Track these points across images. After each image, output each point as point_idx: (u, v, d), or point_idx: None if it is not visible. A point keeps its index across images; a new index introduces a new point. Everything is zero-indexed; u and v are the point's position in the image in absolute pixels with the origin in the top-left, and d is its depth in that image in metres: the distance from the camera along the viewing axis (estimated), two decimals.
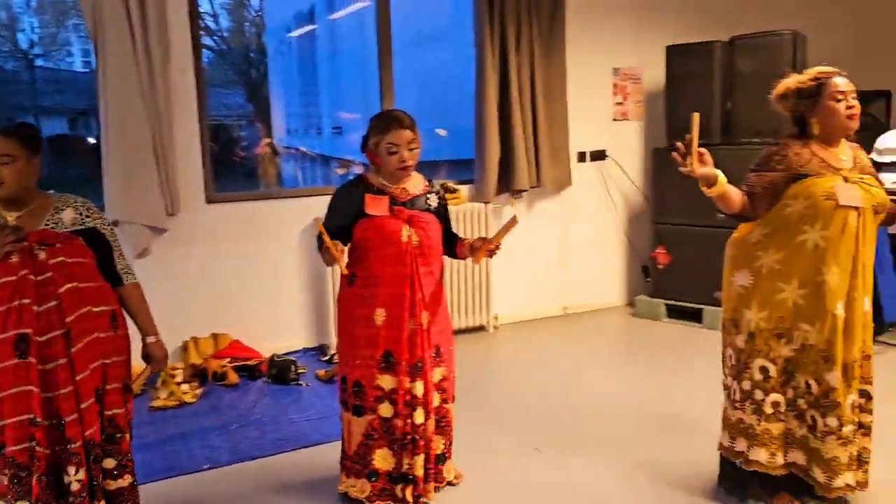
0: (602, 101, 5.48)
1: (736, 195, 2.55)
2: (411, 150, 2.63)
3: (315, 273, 4.70)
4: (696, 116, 2.41)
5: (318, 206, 4.54)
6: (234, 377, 4.18)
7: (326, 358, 4.56)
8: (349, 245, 2.69)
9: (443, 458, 2.87)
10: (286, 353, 4.49)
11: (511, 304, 5.30)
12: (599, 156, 5.49)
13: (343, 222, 2.66)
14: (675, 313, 5.22)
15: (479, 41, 4.85)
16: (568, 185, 5.30)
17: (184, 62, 4.28)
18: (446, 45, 8.48)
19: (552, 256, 5.44)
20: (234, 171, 10.13)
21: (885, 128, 5.53)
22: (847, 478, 2.58)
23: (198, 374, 4.20)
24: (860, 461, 2.64)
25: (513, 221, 2.69)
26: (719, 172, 2.49)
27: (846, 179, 2.52)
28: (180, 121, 4.27)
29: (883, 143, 4.70)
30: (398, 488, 2.73)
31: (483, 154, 4.95)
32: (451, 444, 2.89)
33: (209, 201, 4.48)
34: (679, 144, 2.43)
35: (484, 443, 3.36)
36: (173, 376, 4.03)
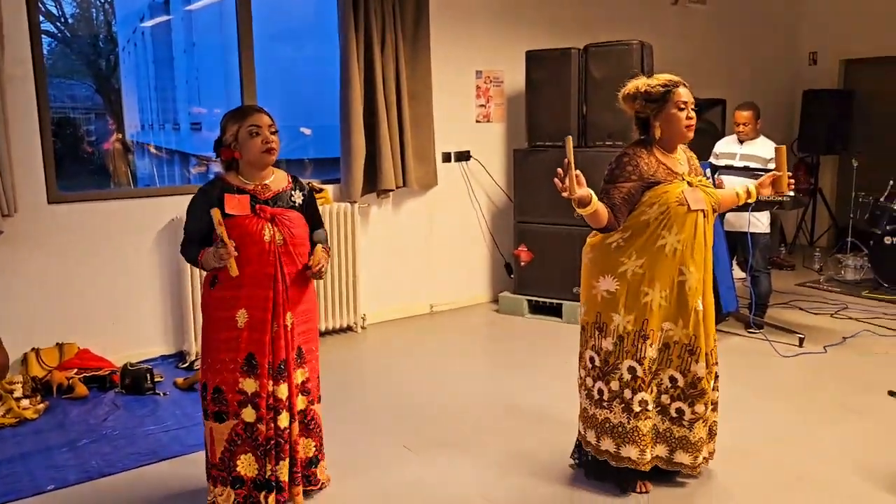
0: (466, 103, 5.59)
1: (604, 211, 2.63)
2: (273, 133, 2.58)
3: (173, 275, 4.48)
4: (568, 140, 2.47)
5: (175, 205, 4.38)
6: (82, 389, 3.90)
7: (186, 365, 4.35)
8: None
9: (315, 460, 2.82)
10: (141, 362, 4.25)
11: (379, 304, 5.30)
12: (464, 156, 5.61)
13: (203, 226, 2.56)
14: (536, 309, 5.42)
15: (343, 40, 4.80)
16: (434, 184, 5.37)
17: (20, 50, 3.94)
18: (311, 41, 8.34)
19: (419, 256, 5.49)
20: (81, 168, 9.43)
21: (721, 134, 6.02)
22: (704, 452, 2.83)
23: (41, 388, 3.88)
24: (711, 434, 2.88)
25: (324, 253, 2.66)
26: (591, 192, 2.57)
27: (690, 184, 2.71)
28: (16, 113, 3.93)
29: (719, 148, 5.11)
30: (262, 495, 2.65)
31: (349, 153, 4.92)
32: (321, 444, 2.85)
33: (52, 201, 4.15)
34: (559, 170, 2.48)
35: (353, 444, 3.34)
36: (11, 391, 3.71)
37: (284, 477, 2.67)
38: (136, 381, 3.97)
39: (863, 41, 7.41)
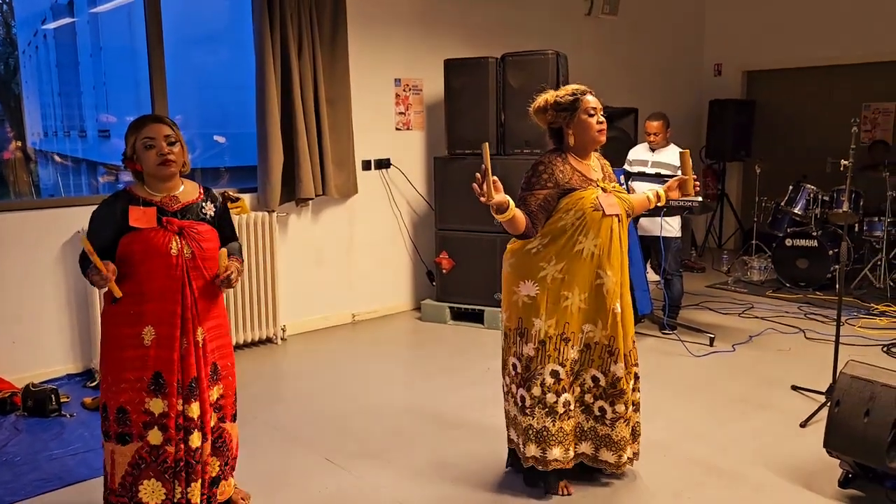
0: (385, 110, 5.58)
1: (522, 217, 2.68)
2: (171, 144, 2.47)
3: (79, 290, 4.28)
4: (485, 147, 2.49)
5: (81, 216, 4.19)
6: None
7: (94, 384, 4.15)
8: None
9: (217, 480, 2.69)
10: (45, 382, 4.02)
11: (299, 315, 5.21)
12: (384, 164, 5.59)
13: (106, 240, 2.45)
14: (459, 315, 5.45)
15: (258, 44, 4.71)
16: (354, 193, 5.33)
17: None
18: (226, 46, 8.14)
19: (339, 265, 5.43)
20: None
21: (633, 141, 6.22)
22: (628, 452, 2.90)
23: None
24: (634, 434, 2.96)
25: (223, 255, 2.56)
26: (509, 199, 2.60)
27: (605, 190, 2.79)
28: None
29: (632, 156, 5.27)
30: None
31: (266, 162, 4.82)
32: (228, 464, 2.72)
33: None
34: (477, 175, 2.50)
35: (274, 458, 3.26)
36: None
37: (196, 499, 2.56)
38: (39, 402, 3.75)
39: (763, 54, 7.84)
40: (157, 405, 2.49)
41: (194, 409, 2.53)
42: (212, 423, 2.61)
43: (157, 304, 2.46)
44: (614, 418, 2.85)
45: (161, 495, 2.52)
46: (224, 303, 2.70)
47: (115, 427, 2.50)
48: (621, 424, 2.86)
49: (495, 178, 2.54)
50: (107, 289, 2.43)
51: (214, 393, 2.61)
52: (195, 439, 2.53)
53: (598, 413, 2.87)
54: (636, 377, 2.94)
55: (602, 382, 2.85)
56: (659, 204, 3.11)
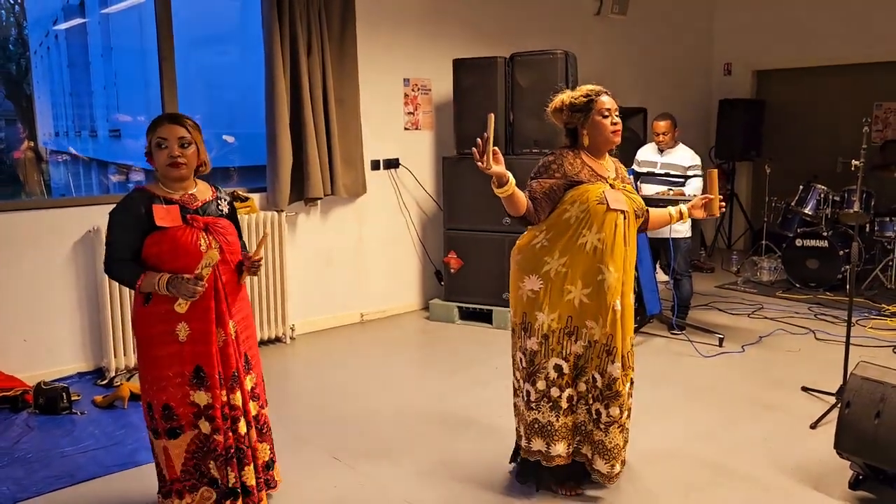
0: (394, 110, 5.59)
1: (522, 198, 2.71)
2: (184, 146, 2.48)
3: (90, 288, 4.30)
4: (491, 117, 2.54)
5: (92, 215, 4.21)
6: None
7: (105, 382, 4.18)
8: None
9: (271, 463, 2.79)
10: (56, 380, 4.05)
11: (308, 314, 5.22)
12: (393, 164, 5.59)
13: (133, 241, 2.46)
14: (467, 315, 5.45)
15: (268, 45, 4.73)
16: (362, 192, 5.33)
17: None
18: (235, 46, 8.17)
19: (348, 264, 5.44)
20: None
21: (643, 141, 6.21)
22: (619, 461, 2.85)
23: None
24: (623, 442, 2.91)
25: (264, 238, 2.71)
26: (509, 174, 2.63)
27: (613, 187, 2.79)
28: None
29: (641, 156, 5.26)
30: (227, 503, 2.59)
31: (275, 161, 4.83)
32: (273, 447, 2.82)
33: None
34: (478, 141, 2.53)
35: (282, 456, 3.26)
36: None
37: (252, 481, 2.62)
38: (50, 400, 3.78)
39: (773, 53, 7.80)
40: (201, 397, 2.52)
41: (238, 398, 2.58)
42: (254, 411, 2.67)
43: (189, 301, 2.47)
44: (609, 422, 2.79)
45: (219, 478, 2.58)
46: (247, 294, 2.74)
47: (163, 424, 2.53)
48: (615, 430, 2.80)
49: (496, 148, 2.56)
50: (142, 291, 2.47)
51: (248, 382, 2.67)
52: (242, 426, 2.59)
53: (594, 416, 2.83)
54: (631, 382, 2.91)
55: (599, 383, 2.81)
56: (682, 221, 3.11)
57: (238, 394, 2.59)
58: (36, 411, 3.78)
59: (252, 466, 2.63)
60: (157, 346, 2.50)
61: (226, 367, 2.55)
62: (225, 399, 2.55)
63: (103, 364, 4.34)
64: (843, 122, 7.10)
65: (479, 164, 2.54)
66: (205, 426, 2.54)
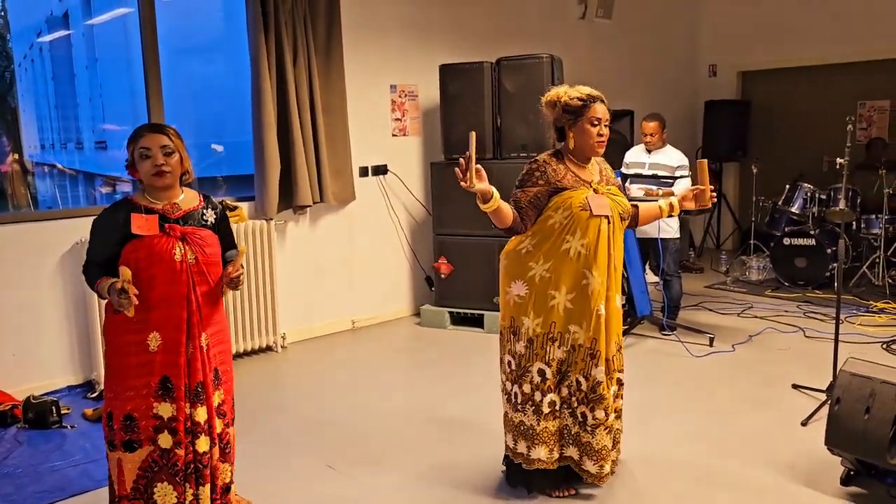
0: (381, 116, 5.59)
1: (508, 210, 2.71)
2: (167, 154, 2.48)
3: (78, 301, 4.28)
4: (472, 135, 2.53)
5: (79, 227, 4.19)
6: None
7: (95, 395, 4.15)
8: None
9: (229, 487, 2.72)
10: (45, 394, 4.02)
11: (299, 322, 5.21)
12: (381, 170, 5.60)
13: (110, 250, 2.46)
14: (458, 320, 5.45)
15: (254, 53, 4.72)
16: (351, 199, 5.33)
17: None
18: (221, 55, 8.16)
19: (338, 271, 5.43)
20: None
21: (630, 143, 6.24)
22: (609, 462, 2.86)
23: None
24: (614, 443, 2.94)
25: (241, 251, 2.66)
26: (493, 189, 2.63)
27: (596, 191, 2.79)
28: None
29: (629, 158, 5.28)
30: None
31: (263, 170, 4.82)
32: (232, 470, 2.75)
33: None
34: (461, 160, 2.53)
35: (275, 466, 3.26)
36: None
37: (207, 502, 2.57)
38: (40, 414, 3.75)
39: (757, 54, 7.86)
40: (165, 409, 2.50)
41: (201, 414, 2.54)
42: (218, 429, 2.62)
43: (162, 310, 2.47)
44: (594, 425, 2.80)
45: (173, 498, 2.53)
46: (224, 309, 2.71)
47: (122, 435, 2.51)
48: (601, 432, 2.81)
49: (479, 166, 2.56)
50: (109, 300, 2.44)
51: (216, 398, 2.62)
52: (202, 443, 2.55)
53: (580, 419, 2.84)
54: (619, 383, 2.91)
55: (584, 386, 2.82)
56: (673, 214, 3.10)
57: (201, 409, 2.54)
58: (25, 426, 3.75)
59: (209, 487, 2.58)
60: (126, 356, 2.49)
61: (191, 379, 2.52)
62: (188, 413, 2.52)
63: (93, 377, 4.31)
64: (829, 121, 7.15)
65: (463, 183, 2.54)
66: (166, 440, 2.51)
